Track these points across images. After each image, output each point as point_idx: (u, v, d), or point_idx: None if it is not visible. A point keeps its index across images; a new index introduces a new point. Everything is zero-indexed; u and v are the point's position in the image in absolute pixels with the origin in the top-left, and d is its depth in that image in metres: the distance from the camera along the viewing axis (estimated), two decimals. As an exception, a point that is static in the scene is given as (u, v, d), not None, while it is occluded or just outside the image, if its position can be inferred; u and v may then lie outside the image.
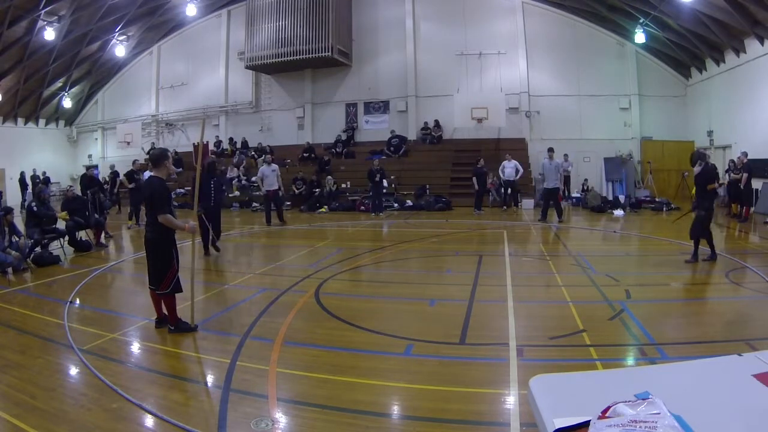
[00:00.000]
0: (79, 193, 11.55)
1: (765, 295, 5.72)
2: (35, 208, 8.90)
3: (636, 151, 18.05)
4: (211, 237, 8.99)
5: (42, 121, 24.15)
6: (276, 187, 12.71)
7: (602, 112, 18.36)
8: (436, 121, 19.43)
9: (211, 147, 21.61)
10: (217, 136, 22.33)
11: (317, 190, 17.49)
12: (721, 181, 13.21)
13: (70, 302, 5.88)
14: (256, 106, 22.15)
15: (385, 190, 16.08)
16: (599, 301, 5.63)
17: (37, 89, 21.87)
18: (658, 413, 1.13)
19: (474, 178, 15.20)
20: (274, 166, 12.99)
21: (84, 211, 10.04)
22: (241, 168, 19.71)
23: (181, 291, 4.75)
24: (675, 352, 4.01)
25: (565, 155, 16.36)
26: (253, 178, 19.20)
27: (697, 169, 7.30)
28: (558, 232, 11.32)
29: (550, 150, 13.04)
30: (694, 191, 7.33)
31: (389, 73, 20.18)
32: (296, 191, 17.39)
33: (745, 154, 12.25)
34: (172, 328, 4.72)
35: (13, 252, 7.73)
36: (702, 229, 7.28)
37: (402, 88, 20.00)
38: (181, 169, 21.37)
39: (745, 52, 14.10)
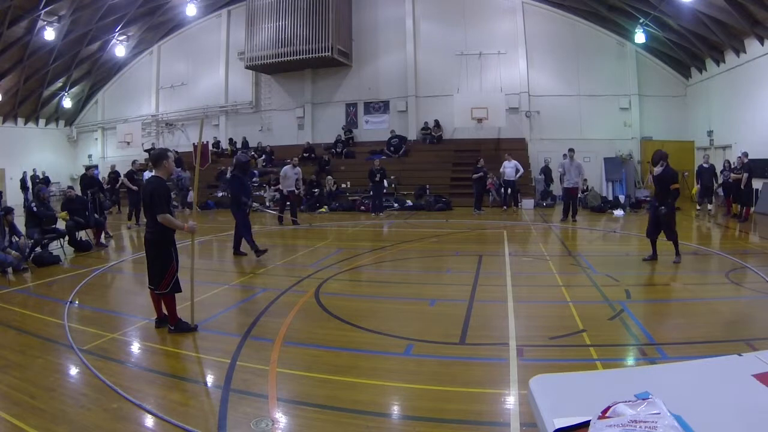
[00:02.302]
0: (79, 193, 11.56)
1: (765, 295, 5.72)
2: (35, 208, 8.91)
3: (636, 151, 18.05)
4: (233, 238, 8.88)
5: (42, 121, 24.16)
6: (293, 188, 12.91)
7: (602, 112, 18.37)
8: (436, 121, 19.43)
9: (210, 147, 21.62)
10: (216, 137, 22.33)
11: (316, 190, 17.48)
12: (719, 181, 13.29)
13: (70, 302, 5.88)
14: (256, 106, 22.16)
15: (385, 190, 16.10)
16: (599, 301, 5.63)
17: (37, 89, 21.88)
18: (658, 413, 1.13)
19: (475, 177, 15.22)
20: (298, 169, 13.12)
21: (84, 211, 10.04)
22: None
23: (180, 291, 4.75)
24: (675, 352, 4.00)
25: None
26: (255, 179, 19.25)
27: (658, 169, 7.11)
28: (558, 232, 11.32)
29: (571, 150, 13.05)
30: (653, 191, 7.15)
31: (389, 73, 20.18)
32: (296, 191, 17.41)
33: (746, 154, 12.24)
34: (172, 328, 4.72)
35: (13, 252, 7.73)
36: (670, 228, 7.16)
37: (402, 88, 20.00)
38: (180, 169, 21.35)
39: (745, 52, 14.10)
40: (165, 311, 4.79)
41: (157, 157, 4.80)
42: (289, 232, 12.14)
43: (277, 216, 13.28)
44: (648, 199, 15.83)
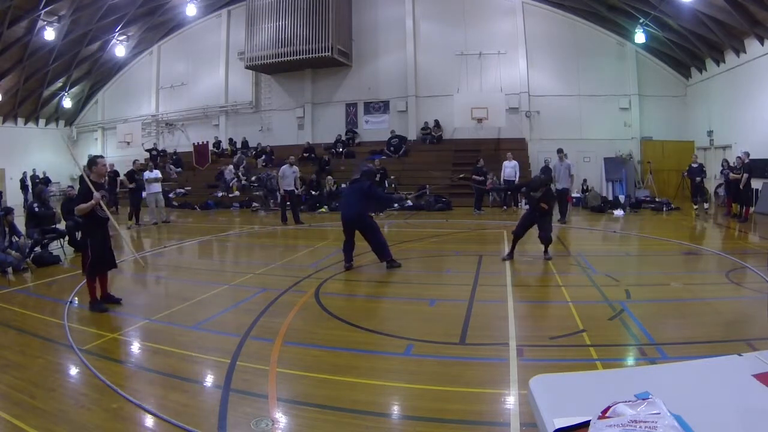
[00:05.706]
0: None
1: (765, 295, 5.71)
2: (37, 209, 8.91)
3: (636, 151, 18.04)
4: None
5: (42, 121, 24.14)
6: (292, 188, 12.92)
7: (602, 112, 18.35)
8: (436, 121, 19.42)
9: (210, 147, 21.67)
10: (216, 137, 22.34)
11: (315, 192, 17.46)
12: (720, 182, 13.37)
13: (70, 302, 5.88)
14: (256, 106, 22.15)
15: (385, 191, 16.08)
16: (599, 301, 5.63)
17: (37, 89, 21.87)
18: (658, 413, 1.13)
19: (475, 177, 15.22)
20: (295, 168, 13.17)
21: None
22: (241, 168, 19.72)
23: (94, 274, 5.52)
24: (675, 352, 4.00)
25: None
26: (253, 178, 19.27)
27: (537, 194, 7.83)
28: (558, 232, 11.31)
29: (560, 151, 13.05)
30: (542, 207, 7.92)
31: (389, 73, 20.17)
32: (295, 190, 17.42)
33: (747, 154, 12.24)
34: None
35: (13, 252, 7.73)
36: (521, 229, 7.99)
37: (402, 88, 19.99)
38: (180, 169, 21.40)
39: (745, 52, 14.10)
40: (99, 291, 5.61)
41: (88, 163, 5.64)
42: (289, 232, 12.14)
43: (281, 216, 13.31)
44: (647, 198, 15.87)
